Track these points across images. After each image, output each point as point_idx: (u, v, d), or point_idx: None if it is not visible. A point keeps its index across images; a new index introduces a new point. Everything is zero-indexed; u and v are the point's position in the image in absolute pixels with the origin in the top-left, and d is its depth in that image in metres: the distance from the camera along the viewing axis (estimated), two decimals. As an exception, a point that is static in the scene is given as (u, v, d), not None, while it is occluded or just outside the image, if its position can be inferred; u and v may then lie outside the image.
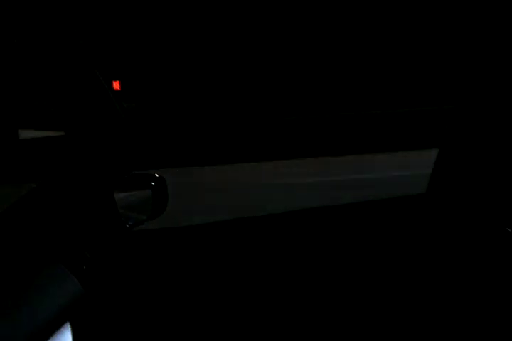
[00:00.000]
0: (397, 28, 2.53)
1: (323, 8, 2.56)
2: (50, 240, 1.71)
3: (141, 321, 2.02)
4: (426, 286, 2.21)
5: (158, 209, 1.90)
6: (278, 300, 2.14)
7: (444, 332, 2.19)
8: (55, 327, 1.50)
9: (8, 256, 1.56)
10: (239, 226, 2.10)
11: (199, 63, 2.57)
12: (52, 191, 1.81)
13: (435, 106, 2.27)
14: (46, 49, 1.80)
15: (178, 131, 2.06)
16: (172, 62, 2.60)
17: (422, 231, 2.20)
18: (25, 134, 1.97)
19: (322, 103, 2.52)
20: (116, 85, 2.55)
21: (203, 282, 2.08)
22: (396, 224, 2.21)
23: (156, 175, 1.89)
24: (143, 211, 1.89)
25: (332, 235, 2.18)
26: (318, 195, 2.13)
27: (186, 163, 2.03)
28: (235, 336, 2.11)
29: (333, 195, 2.13)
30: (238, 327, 2.11)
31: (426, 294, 2.21)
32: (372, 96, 2.51)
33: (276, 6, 2.53)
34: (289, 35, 2.58)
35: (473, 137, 2.18)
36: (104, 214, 1.82)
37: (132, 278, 2.02)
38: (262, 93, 2.58)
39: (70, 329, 1.64)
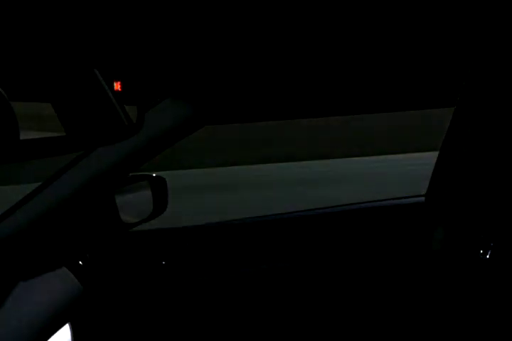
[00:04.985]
0: (395, 28, 2.53)
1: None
2: (51, 240, 1.71)
3: (141, 321, 2.02)
4: (424, 290, 2.21)
5: (158, 209, 1.90)
6: (276, 303, 2.14)
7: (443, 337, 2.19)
8: (56, 327, 1.50)
9: (8, 256, 1.56)
10: (235, 229, 2.11)
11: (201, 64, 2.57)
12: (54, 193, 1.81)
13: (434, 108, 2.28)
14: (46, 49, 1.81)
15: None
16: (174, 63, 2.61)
17: (421, 233, 2.20)
18: (26, 134, 1.97)
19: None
20: (117, 86, 2.55)
21: (203, 282, 2.09)
22: (395, 227, 2.21)
23: (156, 175, 1.89)
24: (143, 211, 1.89)
25: (331, 238, 2.18)
26: None
27: None
28: (234, 336, 2.12)
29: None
30: (237, 328, 2.11)
31: (424, 298, 2.21)
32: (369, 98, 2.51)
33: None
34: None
35: (473, 139, 2.18)
36: (105, 215, 1.82)
37: (132, 278, 2.02)
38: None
39: (70, 329, 1.64)
